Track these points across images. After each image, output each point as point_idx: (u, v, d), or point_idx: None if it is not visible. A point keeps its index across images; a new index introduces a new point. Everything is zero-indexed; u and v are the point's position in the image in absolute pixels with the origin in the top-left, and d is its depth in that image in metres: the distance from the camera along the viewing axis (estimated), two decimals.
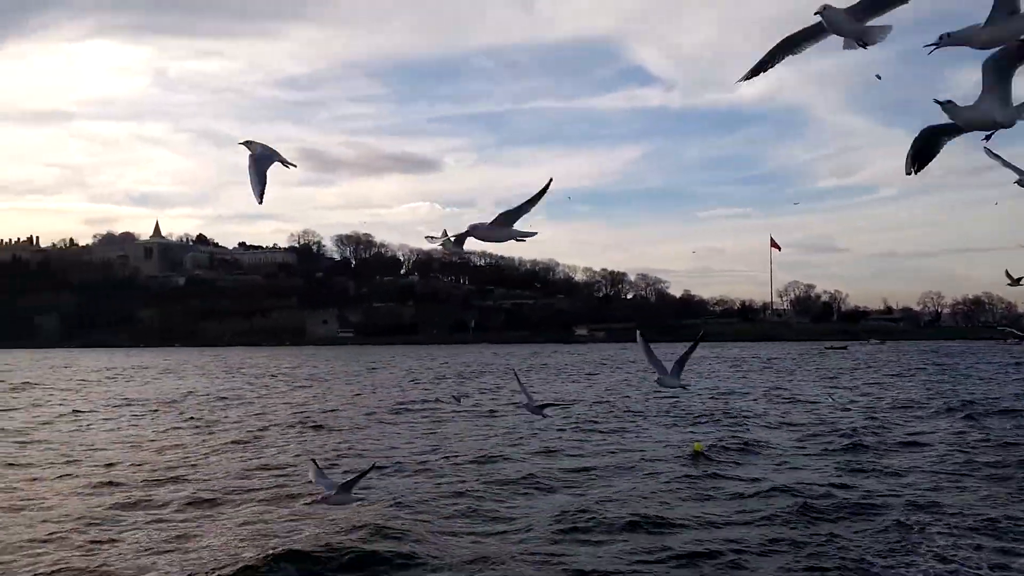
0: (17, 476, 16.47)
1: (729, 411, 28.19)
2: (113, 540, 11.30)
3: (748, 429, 22.81)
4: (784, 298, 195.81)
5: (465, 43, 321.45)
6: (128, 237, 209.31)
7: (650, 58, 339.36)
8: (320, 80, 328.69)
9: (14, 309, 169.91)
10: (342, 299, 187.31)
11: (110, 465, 17.54)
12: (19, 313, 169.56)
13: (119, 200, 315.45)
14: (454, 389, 39.19)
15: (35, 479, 16.15)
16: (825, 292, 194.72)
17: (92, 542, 11.24)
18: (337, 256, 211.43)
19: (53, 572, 9.94)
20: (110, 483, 15.41)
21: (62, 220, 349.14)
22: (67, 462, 18.18)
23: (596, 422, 24.67)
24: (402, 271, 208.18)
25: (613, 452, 18.84)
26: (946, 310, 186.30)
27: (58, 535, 11.62)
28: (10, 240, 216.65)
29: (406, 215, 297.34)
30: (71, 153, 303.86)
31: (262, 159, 5.71)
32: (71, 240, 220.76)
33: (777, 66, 4.84)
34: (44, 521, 12.45)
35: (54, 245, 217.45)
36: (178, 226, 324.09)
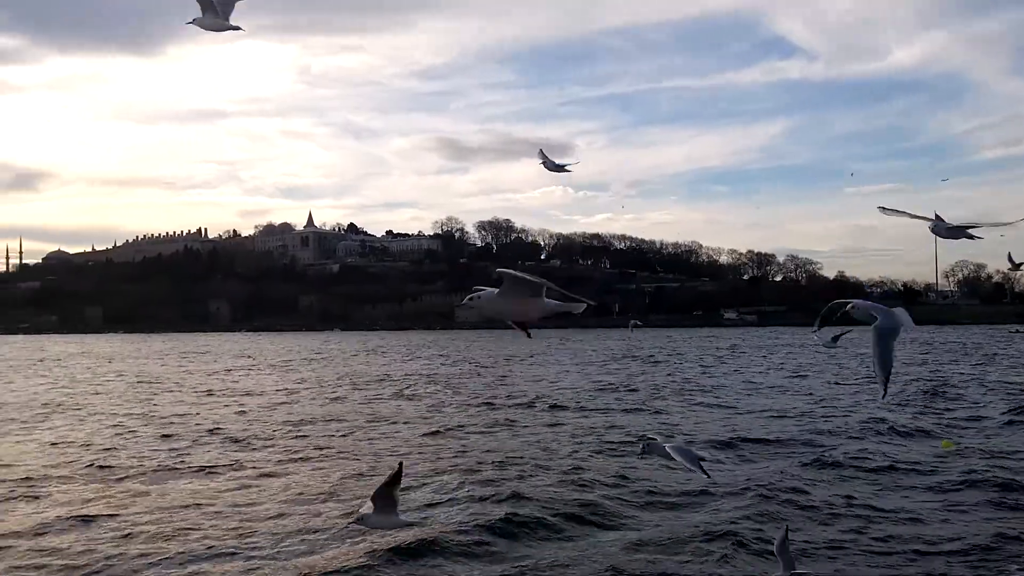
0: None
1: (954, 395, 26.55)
2: None
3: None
4: (951, 279, 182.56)
5: (596, 24, 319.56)
6: (286, 228, 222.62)
7: (791, 29, 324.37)
8: (454, 69, 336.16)
9: (190, 296, 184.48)
10: (484, 284, 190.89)
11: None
12: (195, 299, 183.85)
13: (270, 193, 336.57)
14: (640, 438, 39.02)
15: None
16: (998, 272, 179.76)
17: None
18: (479, 242, 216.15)
19: None
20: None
21: (220, 212, 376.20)
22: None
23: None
24: (542, 256, 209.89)
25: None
26: None
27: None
28: (180, 232, 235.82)
29: (540, 200, 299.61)
30: (226, 149, 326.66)
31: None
32: (234, 231, 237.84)
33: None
34: None
35: (219, 236, 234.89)
36: (324, 216, 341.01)
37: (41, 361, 58.68)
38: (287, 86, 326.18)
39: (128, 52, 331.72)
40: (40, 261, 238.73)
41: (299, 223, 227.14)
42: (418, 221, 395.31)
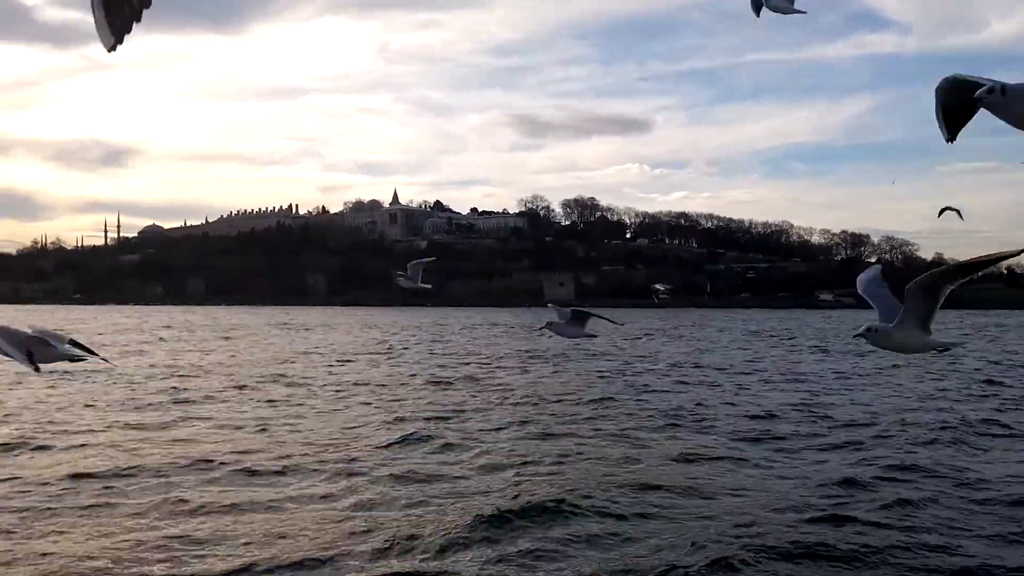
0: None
1: None
2: None
3: None
4: None
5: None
6: (375, 204, 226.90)
7: (882, 1, 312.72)
8: (530, 45, 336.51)
9: (286, 269, 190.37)
10: (572, 262, 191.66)
11: None
12: (291, 272, 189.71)
13: (348, 168, 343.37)
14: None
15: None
16: None
17: None
18: (563, 220, 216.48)
19: None
20: None
21: (300, 188, 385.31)
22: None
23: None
24: (627, 234, 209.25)
25: None
26: None
27: None
28: (272, 208, 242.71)
29: (615, 177, 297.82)
30: (306, 126, 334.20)
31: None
32: (323, 207, 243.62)
33: None
34: None
35: (309, 212, 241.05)
36: (400, 192, 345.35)
37: (227, 339, 61.29)
38: (366, 63, 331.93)
39: (213, 31, 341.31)
40: (136, 235, 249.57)
41: (379, 198, 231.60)
42: (492, 198, 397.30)
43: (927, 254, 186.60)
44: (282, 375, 27.72)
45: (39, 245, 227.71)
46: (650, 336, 56.16)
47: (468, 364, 33.85)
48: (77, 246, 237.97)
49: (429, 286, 14.53)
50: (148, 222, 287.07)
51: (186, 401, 20.54)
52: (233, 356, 37.03)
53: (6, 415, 17.83)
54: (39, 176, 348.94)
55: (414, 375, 28.59)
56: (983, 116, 4.46)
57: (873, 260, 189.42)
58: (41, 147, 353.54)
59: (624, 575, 8.28)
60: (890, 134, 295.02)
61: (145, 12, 2.68)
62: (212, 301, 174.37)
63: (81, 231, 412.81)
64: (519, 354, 38.92)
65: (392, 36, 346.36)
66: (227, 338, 52.31)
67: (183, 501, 10.63)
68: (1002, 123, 4.26)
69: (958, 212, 9.80)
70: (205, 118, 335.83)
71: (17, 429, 15.99)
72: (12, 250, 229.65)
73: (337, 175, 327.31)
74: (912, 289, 5.36)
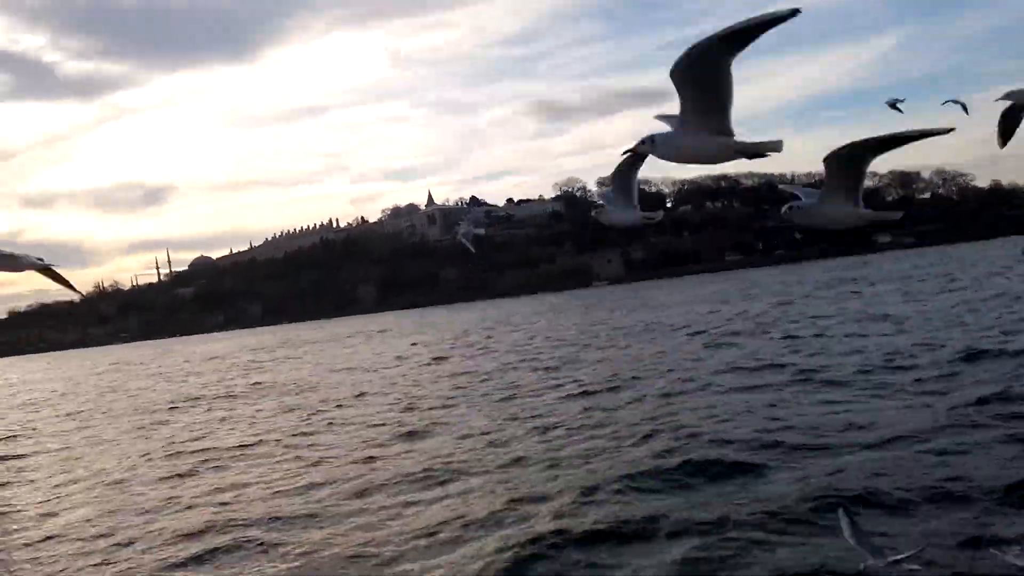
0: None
1: None
2: None
3: None
4: None
5: None
6: (412, 208, 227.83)
7: None
8: (539, 31, 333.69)
9: (334, 283, 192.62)
10: (615, 239, 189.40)
11: None
12: (339, 286, 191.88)
13: (376, 177, 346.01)
14: None
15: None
16: None
17: None
18: (598, 199, 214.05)
19: None
20: None
21: (332, 203, 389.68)
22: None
23: None
24: (668, 204, 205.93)
25: None
26: None
27: None
28: (313, 225, 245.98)
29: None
30: (329, 141, 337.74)
31: None
32: (362, 218, 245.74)
33: None
34: None
35: (348, 224, 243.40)
36: (428, 193, 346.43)
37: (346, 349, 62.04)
38: (380, 72, 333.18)
39: (228, 61, 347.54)
40: (187, 268, 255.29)
41: (414, 201, 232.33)
42: (521, 188, 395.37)
43: (983, 182, 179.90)
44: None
45: (98, 290, 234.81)
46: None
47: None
48: (134, 286, 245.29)
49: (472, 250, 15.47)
50: (192, 255, 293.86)
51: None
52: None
53: None
54: (82, 224, 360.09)
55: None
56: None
57: (927, 196, 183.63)
58: (80, 197, 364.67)
59: None
60: (920, 69, 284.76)
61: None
62: (270, 322, 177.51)
63: (132, 271, 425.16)
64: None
65: (401, 42, 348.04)
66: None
67: None
68: None
69: (963, 106, 9.07)
70: (232, 147, 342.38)
71: None
72: (74, 297, 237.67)
73: (366, 185, 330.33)
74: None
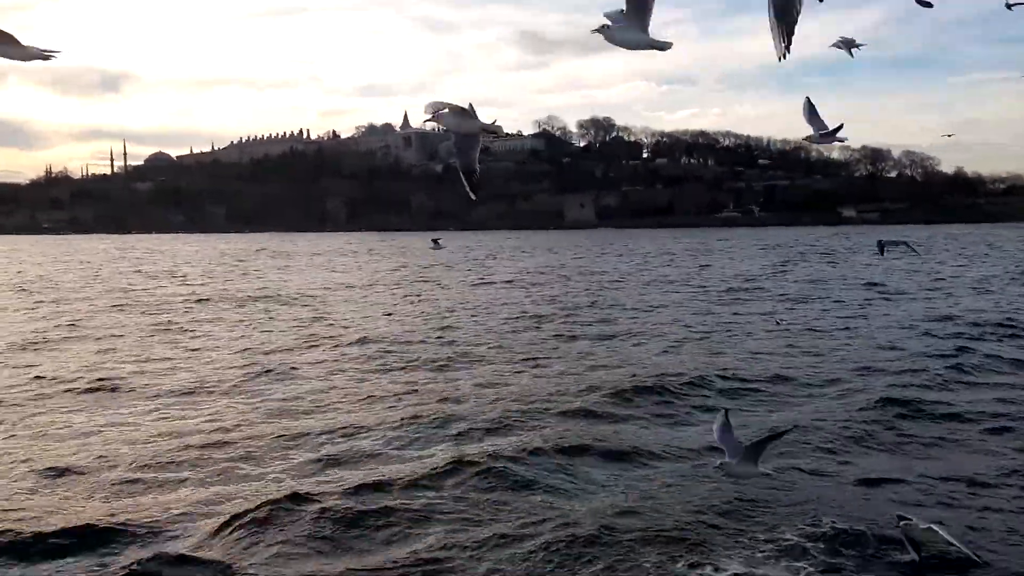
0: None
1: None
2: None
3: None
4: None
5: None
6: (388, 128, 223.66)
7: None
8: None
9: (305, 196, 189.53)
10: (591, 183, 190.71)
11: None
12: (309, 199, 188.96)
13: (348, 92, 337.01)
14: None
15: None
16: None
17: None
18: (578, 141, 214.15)
19: None
20: None
21: (300, 114, 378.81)
22: None
23: None
24: (644, 154, 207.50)
25: None
26: None
27: None
28: (283, 134, 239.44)
29: (622, 95, 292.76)
30: (304, 48, 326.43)
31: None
32: (334, 132, 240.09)
33: None
34: None
35: (320, 137, 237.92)
36: (398, 114, 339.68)
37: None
38: None
39: None
40: (143, 163, 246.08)
41: (383, 121, 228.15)
42: (498, 119, 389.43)
43: (948, 168, 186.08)
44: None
45: (48, 175, 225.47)
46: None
47: None
48: (83, 175, 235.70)
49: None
50: (149, 150, 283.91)
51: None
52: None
53: None
54: (34, 103, 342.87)
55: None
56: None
57: (894, 175, 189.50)
58: (34, 73, 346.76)
59: None
60: (904, 46, 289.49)
61: None
62: (234, 229, 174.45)
63: (81, 160, 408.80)
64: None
65: None
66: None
67: None
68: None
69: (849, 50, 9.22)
70: (202, 41, 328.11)
71: None
72: (20, 180, 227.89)
73: (336, 98, 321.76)
74: None
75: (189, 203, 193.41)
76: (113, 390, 14.92)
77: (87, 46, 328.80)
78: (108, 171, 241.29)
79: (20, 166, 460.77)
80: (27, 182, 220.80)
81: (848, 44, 8.60)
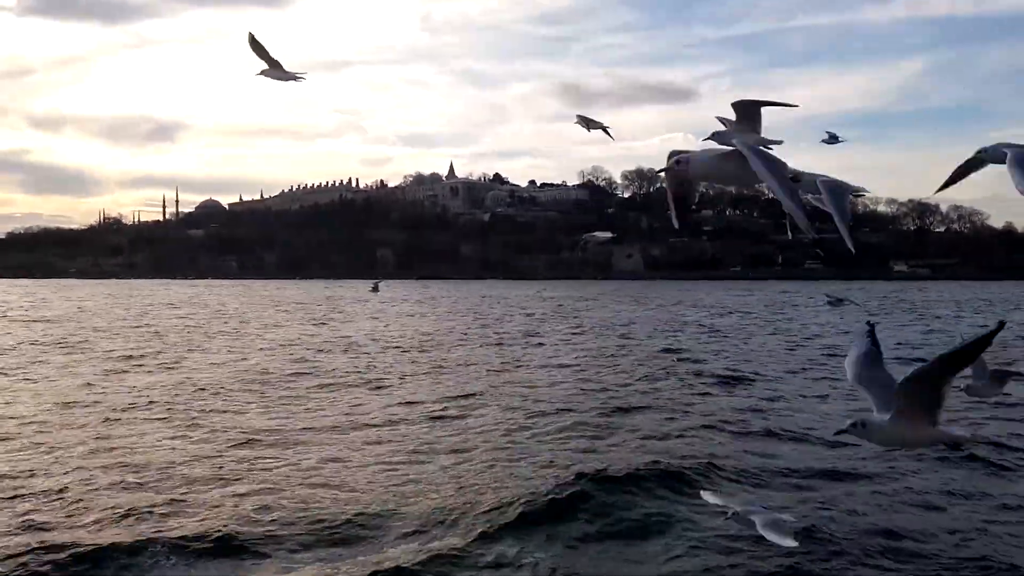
0: None
1: None
2: None
3: None
4: None
5: None
6: (436, 177, 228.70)
7: None
8: (576, 12, 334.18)
9: (354, 244, 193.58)
10: (636, 233, 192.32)
11: None
12: (359, 247, 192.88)
13: (391, 141, 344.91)
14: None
15: None
16: None
17: None
18: (622, 192, 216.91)
19: None
20: None
21: (344, 162, 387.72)
22: None
23: None
24: (691, 205, 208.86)
25: None
26: None
27: None
28: (332, 183, 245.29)
29: (660, 147, 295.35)
30: (350, 98, 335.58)
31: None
32: (382, 181, 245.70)
33: None
34: None
35: (367, 186, 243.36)
36: (439, 164, 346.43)
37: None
38: (410, 34, 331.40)
39: (260, 4, 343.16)
40: (194, 210, 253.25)
41: (427, 171, 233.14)
42: (537, 169, 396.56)
43: (997, 222, 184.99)
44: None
45: (108, 220, 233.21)
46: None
47: None
48: (135, 221, 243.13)
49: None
50: (197, 197, 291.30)
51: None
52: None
53: None
54: (88, 152, 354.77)
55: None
56: None
57: (942, 230, 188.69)
58: (90, 123, 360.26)
59: None
60: (944, 98, 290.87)
61: None
62: (286, 275, 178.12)
63: (131, 206, 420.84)
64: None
65: (434, 5, 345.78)
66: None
67: None
68: None
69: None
70: (250, 93, 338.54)
71: None
72: (75, 225, 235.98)
73: (380, 148, 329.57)
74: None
75: (242, 249, 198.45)
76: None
77: (141, 96, 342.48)
78: (160, 217, 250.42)
79: (73, 211, 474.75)
80: (82, 227, 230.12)
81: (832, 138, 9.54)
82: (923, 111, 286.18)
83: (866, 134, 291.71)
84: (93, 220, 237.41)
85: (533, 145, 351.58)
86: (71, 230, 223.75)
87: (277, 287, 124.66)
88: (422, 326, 42.89)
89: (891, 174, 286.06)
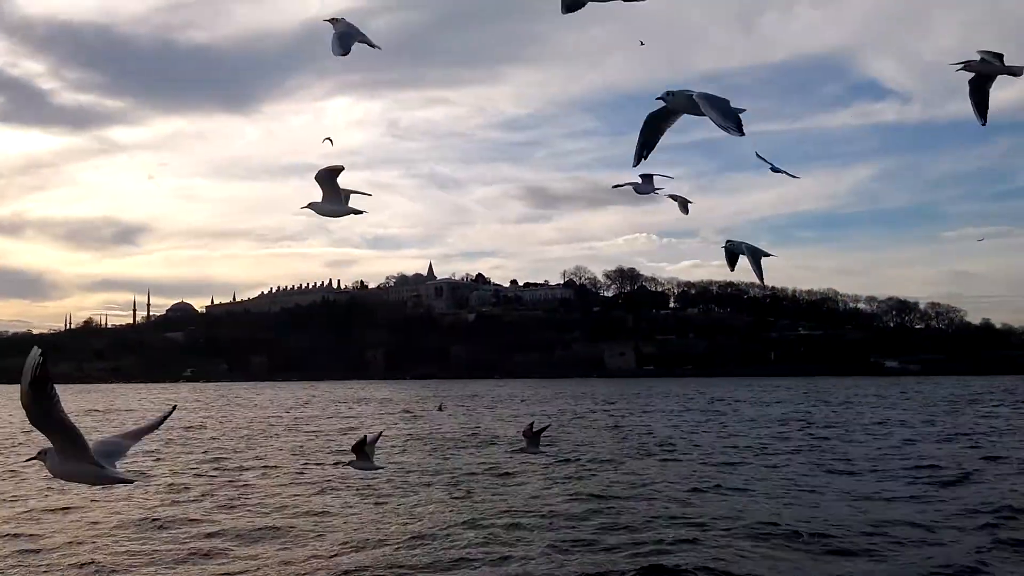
0: None
1: None
2: None
3: None
4: None
5: (683, 71, 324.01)
6: (419, 278, 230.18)
7: (884, 70, 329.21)
8: (539, 119, 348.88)
9: (343, 345, 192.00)
10: (623, 332, 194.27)
11: None
12: (349, 349, 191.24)
13: (356, 243, 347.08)
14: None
15: None
16: None
17: None
18: (605, 291, 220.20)
19: None
20: None
21: (308, 264, 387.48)
22: None
23: None
24: (670, 304, 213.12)
25: None
26: None
27: None
28: (313, 284, 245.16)
29: (623, 247, 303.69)
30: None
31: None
32: (361, 282, 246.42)
33: None
34: None
35: (346, 288, 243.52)
36: (405, 265, 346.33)
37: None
38: (375, 139, 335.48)
39: (227, 111, 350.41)
40: (165, 312, 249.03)
41: (387, 272, 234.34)
42: (499, 269, 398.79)
43: (974, 318, 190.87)
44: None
45: (86, 324, 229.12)
46: None
47: None
48: (103, 325, 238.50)
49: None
50: (164, 300, 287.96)
51: None
52: None
53: None
54: (49, 256, 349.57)
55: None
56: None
57: (920, 326, 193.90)
58: (52, 226, 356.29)
59: None
60: (896, 201, 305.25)
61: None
62: (278, 377, 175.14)
63: (92, 310, 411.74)
64: None
65: (402, 113, 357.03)
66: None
67: None
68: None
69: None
70: (216, 197, 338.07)
71: None
72: (35, 329, 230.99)
73: (344, 249, 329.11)
74: None
75: (228, 353, 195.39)
76: None
77: (104, 201, 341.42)
78: (129, 320, 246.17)
79: (30, 315, 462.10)
80: (58, 331, 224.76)
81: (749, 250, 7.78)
82: (874, 212, 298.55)
83: (818, 235, 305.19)
84: (52, 324, 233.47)
85: (497, 245, 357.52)
86: (52, 334, 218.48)
87: (303, 387, 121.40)
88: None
89: (841, 274, 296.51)
